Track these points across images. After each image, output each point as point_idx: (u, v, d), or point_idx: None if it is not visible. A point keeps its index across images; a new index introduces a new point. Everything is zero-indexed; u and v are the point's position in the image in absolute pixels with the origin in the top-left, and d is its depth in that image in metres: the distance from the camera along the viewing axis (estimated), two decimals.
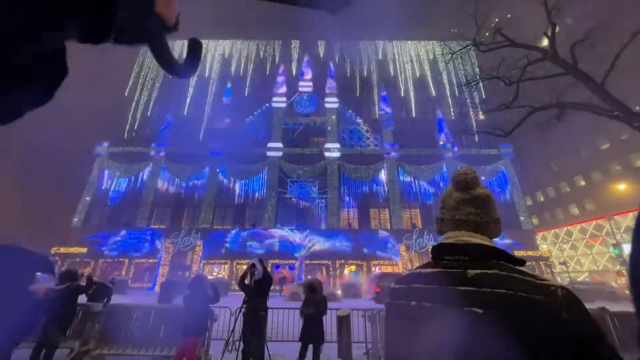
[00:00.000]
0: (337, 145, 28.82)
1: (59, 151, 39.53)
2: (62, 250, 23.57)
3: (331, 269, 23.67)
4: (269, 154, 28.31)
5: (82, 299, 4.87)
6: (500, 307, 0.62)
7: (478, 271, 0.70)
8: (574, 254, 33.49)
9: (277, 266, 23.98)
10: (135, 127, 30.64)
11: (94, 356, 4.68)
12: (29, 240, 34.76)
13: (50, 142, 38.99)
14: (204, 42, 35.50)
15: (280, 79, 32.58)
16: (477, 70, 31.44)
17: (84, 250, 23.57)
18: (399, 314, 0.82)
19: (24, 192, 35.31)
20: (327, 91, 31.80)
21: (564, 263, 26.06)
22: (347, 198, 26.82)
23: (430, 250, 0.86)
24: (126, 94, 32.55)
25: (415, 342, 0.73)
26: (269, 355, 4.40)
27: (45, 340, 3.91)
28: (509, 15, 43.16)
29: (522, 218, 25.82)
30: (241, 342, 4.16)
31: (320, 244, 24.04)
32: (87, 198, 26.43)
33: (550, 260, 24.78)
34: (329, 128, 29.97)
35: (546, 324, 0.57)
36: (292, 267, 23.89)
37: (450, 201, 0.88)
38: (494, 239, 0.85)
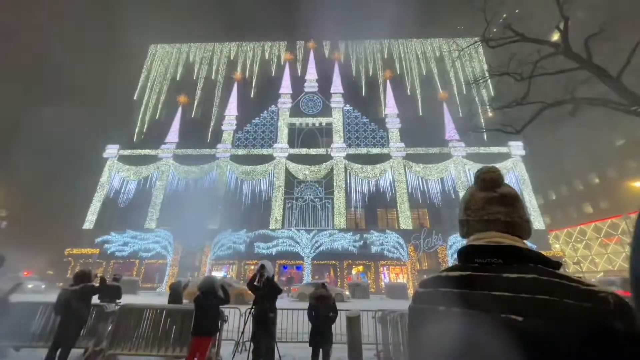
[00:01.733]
0: (344, 145, 28.73)
1: (70, 154, 40.51)
2: (75, 251, 24.13)
3: (338, 269, 23.59)
4: (276, 154, 28.42)
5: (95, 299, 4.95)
6: (542, 314, 0.57)
7: (515, 275, 0.65)
8: (588, 254, 32.57)
9: (285, 266, 24.04)
10: (144, 130, 31.16)
11: (108, 356, 4.75)
12: (44, 241, 35.70)
13: (62, 146, 39.98)
14: (210, 45, 35.95)
15: (285, 79, 32.68)
16: (485, 67, 30.94)
17: (96, 251, 24.06)
18: (425, 319, 0.77)
19: (37, 195, 36.29)
20: (333, 91, 31.74)
21: (577, 263, 25.40)
22: (353, 198, 26.69)
23: (457, 252, 0.82)
24: (135, 98, 33.13)
25: (443, 350, 0.68)
26: (279, 356, 4.38)
27: (60, 340, 3.98)
28: (517, 10, 42.40)
29: (533, 217, 25.25)
30: (251, 343, 4.16)
31: (327, 244, 23.99)
32: (98, 200, 27.00)
33: (564, 260, 24.18)
34: (335, 128, 29.90)
35: (598, 335, 0.52)
36: (299, 268, 23.91)
37: (475, 201, 0.84)
38: (525, 241, 0.81)
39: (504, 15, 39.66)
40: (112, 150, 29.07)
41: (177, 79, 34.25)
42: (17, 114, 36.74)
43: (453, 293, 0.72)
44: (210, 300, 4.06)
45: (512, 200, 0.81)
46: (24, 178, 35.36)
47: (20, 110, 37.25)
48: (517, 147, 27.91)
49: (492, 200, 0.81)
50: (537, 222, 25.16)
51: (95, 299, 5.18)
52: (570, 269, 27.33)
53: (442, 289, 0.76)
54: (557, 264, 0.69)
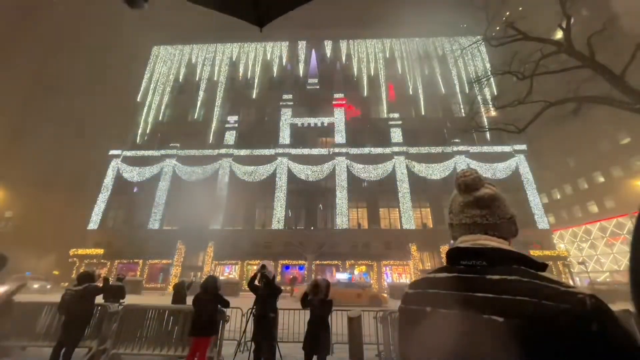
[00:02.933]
0: (345, 145, 28.70)
1: (75, 155, 40.95)
2: (80, 251, 24.38)
3: (341, 269, 23.58)
4: (278, 154, 28.46)
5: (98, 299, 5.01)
6: (522, 315, 0.58)
7: (497, 277, 0.67)
8: (593, 253, 32.26)
9: (287, 267, 24.08)
10: (148, 131, 31.37)
11: (111, 355, 4.80)
12: (50, 242, 36.10)
13: (66, 147, 40.42)
14: (213, 46, 36.15)
15: (287, 79, 32.71)
16: (487, 65, 30.76)
17: (101, 251, 24.30)
18: (413, 319, 0.79)
19: (42, 196, 36.73)
20: (335, 91, 31.74)
21: (582, 263, 25.14)
22: (356, 197, 26.67)
23: (445, 254, 0.83)
24: (138, 99, 33.38)
25: (430, 349, 0.70)
26: (280, 356, 4.40)
27: (64, 340, 4.04)
28: (520, 8, 42.09)
29: (537, 216, 25.05)
30: (252, 343, 4.18)
31: (329, 244, 23.98)
32: (103, 201, 27.25)
33: (569, 260, 23.95)
34: (337, 128, 29.89)
35: (574, 335, 0.53)
36: (301, 268, 23.93)
37: (455, 205, 0.88)
38: (513, 239, 0.83)
39: (507, 14, 39.41)
40: (116, 151, 29.32)
41: (180, 80, 34.46)
42: (21, 115, 37.24)
43: (439, 294, 0.74)
44: (209, 300, 4.09)
45: (488, 202, 0.82)
46: (28, 179, 35.80)
47: (24, 111, 37.75)
48: (520, 146, 27.70)
49: (468, 204, 0.84)
50: (542, 221, 24.94)
51: (100, 299, 5.25)
52: (575, 269, 27.06)
53: (429, 290, 0.78)
54: (543, 266, 0.70)
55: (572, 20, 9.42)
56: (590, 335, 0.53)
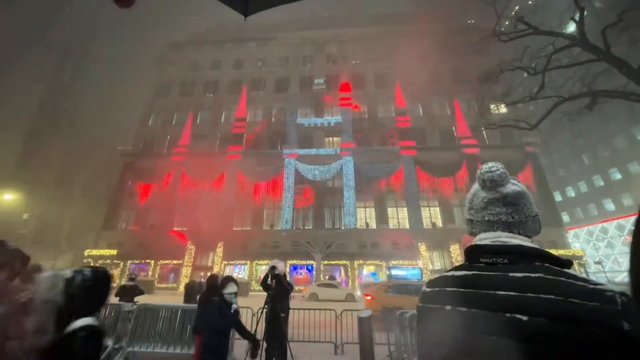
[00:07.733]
0: (353, 145, 28.59)
1: (86, 156, 42.07)
2: (94, 252, 25.03)
3: (349, 269, 23.51)
4: (285, 155, 28.55)
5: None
6: (547, 314, 0.56)
7: (520, 274, 0.65)
8: (610, 253, 31.24)
9: (295, 267, 24.15)
10: (158, 133, 31.90)
11: (127, 353, 4.91)
12: (65, 243, 37.23)
13: (82, 150, 41.56)
14: (220, 48, 36.56)
15: (293, 80, 32.81)
16: (497, 61, 30.15)
17: (114, 252, 24.87)
18: (432, 318, 0.78)
19: (59, 198, 37.90)
20: (341, 90, 31.65)
21: (599, 262, 24.39)
22: (364, 197, 26.53)
23: (464, 251, 0.82)
24: (149, 102, 34.00)
25: (450, 348, 0.69)
26: (291, 355, 4.42)
27: None
28: (530, 2, 41.12)
29: (551, 215, 24.40)
30: (264, 342, 4.21)
31: (337, 244, 23.93)
32: (116, 202, 27.89)
33: (584, 259, 23.24)
34: (344, 127, 29.80)
35: (604, 335, 0.51)
36: (310, 268, 23.96)
37: (477, 201, 0.83)
38: (534, 237, 0.80)
39: (516, 8, 38.54)
40: (127, 153, 29.96)
41: (189, 82, 34.97)
42: (37, 118, 38.49)
43: (459, 292, 0.73)
44: (213, 297, 4.15)
45: (515, 200, 0.79)
46: (45, 182, 36.98)
47: (40, 114, 39.00)
48: (533, 143, 27.03)
49: (494, 201, 0.80)
50: (555, 220, 24.28)
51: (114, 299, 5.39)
52: (591, 269, 26.25)
53: (448, 289, 0.77)
54: (568, 263, 0.68)
55: (585, 13, 9.16)
56: (621, 335, 0.50)
